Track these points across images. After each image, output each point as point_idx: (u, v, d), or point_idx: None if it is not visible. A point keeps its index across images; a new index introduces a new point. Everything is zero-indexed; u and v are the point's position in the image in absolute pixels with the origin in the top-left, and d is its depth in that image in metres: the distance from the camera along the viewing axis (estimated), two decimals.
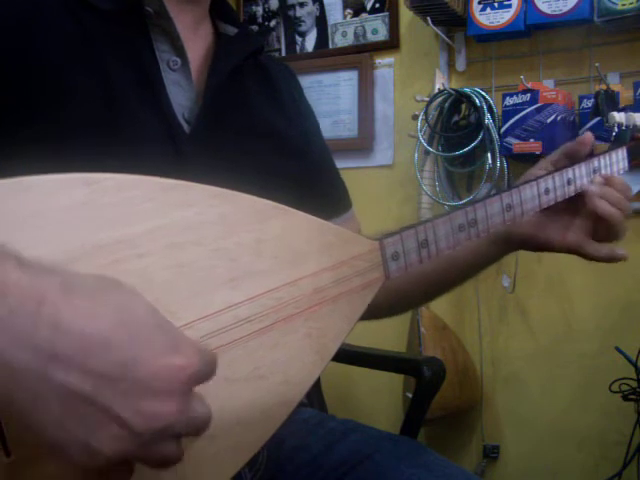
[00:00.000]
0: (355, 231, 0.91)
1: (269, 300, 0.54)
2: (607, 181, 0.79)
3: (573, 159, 0.80)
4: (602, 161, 0.81)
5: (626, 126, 0.86)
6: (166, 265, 0.49)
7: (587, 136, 0.80)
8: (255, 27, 2.22)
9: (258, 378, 0.54)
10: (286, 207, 0.57)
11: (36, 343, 0.37)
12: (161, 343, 0.41)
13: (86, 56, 0.65)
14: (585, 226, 0.80)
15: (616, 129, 0.86)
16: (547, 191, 0.76)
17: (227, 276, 0.52)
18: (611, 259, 0.80)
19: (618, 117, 0.86)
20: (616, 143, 0.85)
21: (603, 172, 0.81)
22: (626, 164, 0.84)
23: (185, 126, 0.69)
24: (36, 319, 0.37)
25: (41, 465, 0.40)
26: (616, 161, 0.83)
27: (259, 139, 0.77)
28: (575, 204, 0.80)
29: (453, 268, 0.85)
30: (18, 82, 0.62)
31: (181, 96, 0.70)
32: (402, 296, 0.85)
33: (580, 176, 0.79)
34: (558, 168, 0.79)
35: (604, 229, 0.79)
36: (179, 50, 0.70)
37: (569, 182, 0.78)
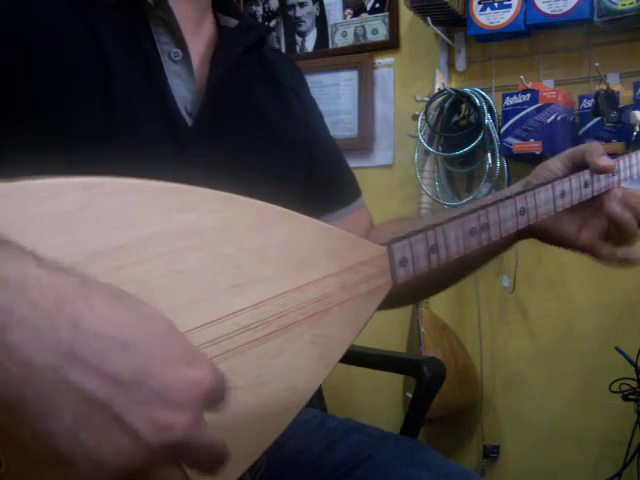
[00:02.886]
0: (366, 219, 0.91)
1: (273, 307, 0.53)
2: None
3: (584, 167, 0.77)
4: (622, 163, 0.78)
5: None
6: (166, 271, 0.48)
7: (610, 167, 0.75)
8: None
9: (261, 385, 0.53)
10: (291, 211, 0.56)
11: (55, 341, 0.36)
12: (179, 354, 0.40)
13: (87, 49, 0.64)
14: (600, 226, 0.78)
15: (637, 129, 0.83)
16: (563, 194, 0.74)
17: (230, 282, 0.51)
18: (626, 263, 0.77)
19: None
20: (637, 143, 0.82)
21: (622, 174, 0.78)
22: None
23: (187, 118, 0.69)
24: (56, 317, 0.36)
25: (34, 478, 0.39)
26: (636, 163, 0.79)
27: (261, 132, 0.76)
28: (593, 203, 0.78)
29: (459, 259, 0.84)
30: (16, 79, 0.62)
31: (182, 88, 0.70)
32: (409, 288, 0.84)
33: (598, 179, 0.76)
34: (573, 168, 0.76)
35: (617, 232, 0.77)
36: (180, 41, 0.69)
37: (586, 185, 0.75)
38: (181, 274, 0.49)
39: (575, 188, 0.75)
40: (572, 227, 0.79)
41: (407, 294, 0.86)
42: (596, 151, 0.76)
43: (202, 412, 0.40)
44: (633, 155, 0.79)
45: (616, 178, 0.77)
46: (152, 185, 0.49)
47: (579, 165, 0.77)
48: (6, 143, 0.61)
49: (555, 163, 0.78)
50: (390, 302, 0.83)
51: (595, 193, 0.76)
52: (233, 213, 0.52)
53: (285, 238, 0.55)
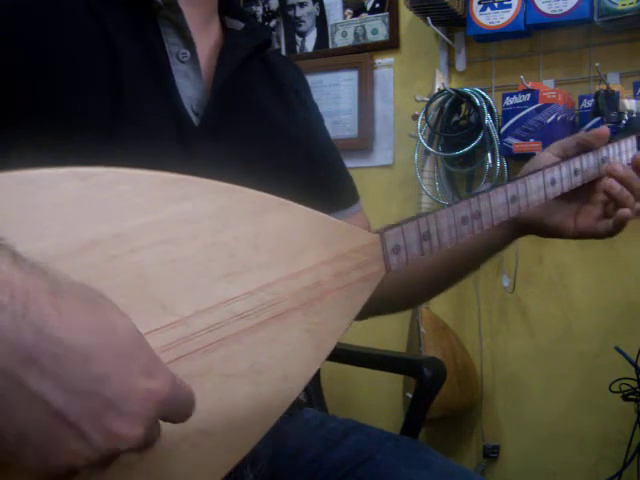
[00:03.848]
0: (363, 224, 0.91)
1: (267, 294, 0.54)
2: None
3: (586, 150, 0.78)
4: (611, 150, 0.79)
5: (637, 114, 0.83)
6: (161, 260, 0.49)
7: (604, 130, 0.77)
8: None
9: (256, 373, 0.53)
10: (285, 200, 0.56)
11: (17, 343, 0.36)
12: (140, 365, 0.40)
13: (96, 47, 0.65)
14: (596, 210, 0.78)
15: (626, 117, 0.83)
16: (553, 182, 0.74)
17: (224, 270, 0.51)
18: (620, 225, 0.76)
19: (629, 104, 0.83)
20: (626, 131, 0.82)
21: (611, 161, 0.78)
22: (636, 153, 0.81)
23: (194, 118, 0.70)
24: (21, 320, 0.36)
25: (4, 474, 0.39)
26: (625, 150, 0.80)
27: (264, 131, 0.77)
28: (585, 191, 0.78)
29: (458, 258, 0.83)
30: (26, 72, 0.62)
31: (190, 88, 0.70)
32: (406, 290, 0.84)
33: (588, 166, 0.77)
34: (565, 158, 0.77)
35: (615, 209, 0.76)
36: (188, 42, 0.70)
37: (576, 172, 0.76)
38: (175, 262, 0.49)
39: (565, 176, 0.76)
40: (568, 216, 0.79)
41: (405, 295, 0.86)
42: (585, 134, 0.77)
43: (155, 421, 0.41)
44: (622, 143, 0.80)
45: (605, 166, 0.78)
46: (148, 175, 0.49)
47: (571, 154, 0.78)
48: (11, 143, 0.61)
49: (545, 157, 0.79)
50: (388, 306, 0.83)
51: (585, 181, 0.77)
52: (228, 202, 0.52)
53: (279, 226, 0.55)
